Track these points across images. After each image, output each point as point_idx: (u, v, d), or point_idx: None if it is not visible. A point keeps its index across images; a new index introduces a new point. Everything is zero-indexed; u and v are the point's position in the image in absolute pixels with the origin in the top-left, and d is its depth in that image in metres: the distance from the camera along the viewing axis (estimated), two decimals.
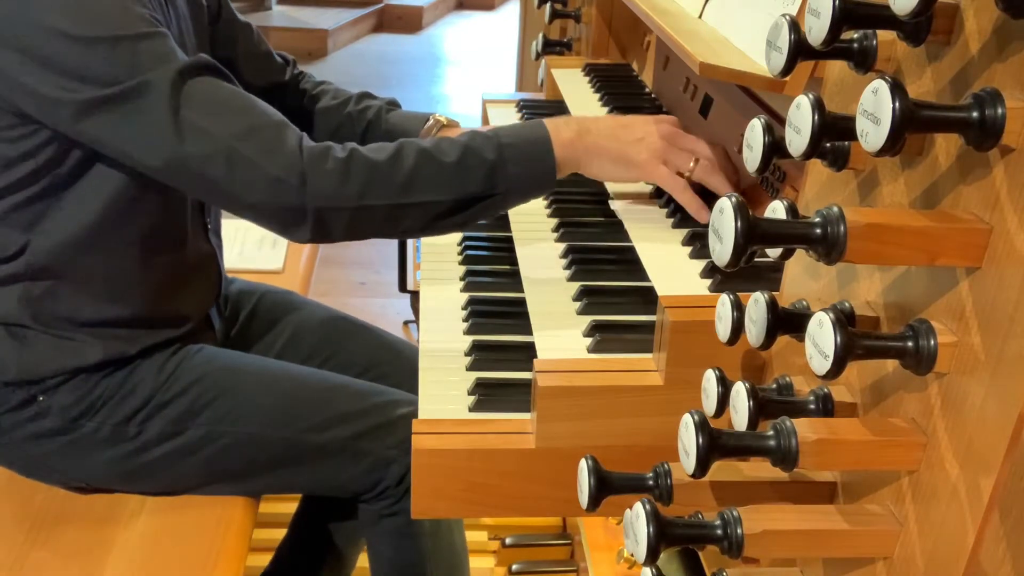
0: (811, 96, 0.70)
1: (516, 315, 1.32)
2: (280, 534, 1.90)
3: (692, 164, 1.35)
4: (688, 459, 0.75)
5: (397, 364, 1.73)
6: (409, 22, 8.15)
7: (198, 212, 1.53)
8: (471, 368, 1.25)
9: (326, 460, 1.51)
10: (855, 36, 0.76)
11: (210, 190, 1.30)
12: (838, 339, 0.66)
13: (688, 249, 1.26)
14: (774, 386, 0.88)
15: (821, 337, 0.68)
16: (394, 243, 2.98)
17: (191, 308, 1.57)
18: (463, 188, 1.28)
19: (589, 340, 1.16)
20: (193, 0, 1.52)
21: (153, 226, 1.44)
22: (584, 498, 0.82)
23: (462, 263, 1.51)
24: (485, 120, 2.08)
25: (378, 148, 1.30)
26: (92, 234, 1.40)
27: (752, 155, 0.80)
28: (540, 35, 2.31)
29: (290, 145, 1.27)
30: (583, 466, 0.82)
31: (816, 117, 0.69)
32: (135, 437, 1.47)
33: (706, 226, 0.72)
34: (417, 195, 1.28)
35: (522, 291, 1.31)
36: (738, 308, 0.81)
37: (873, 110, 0.63)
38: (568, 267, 1.35)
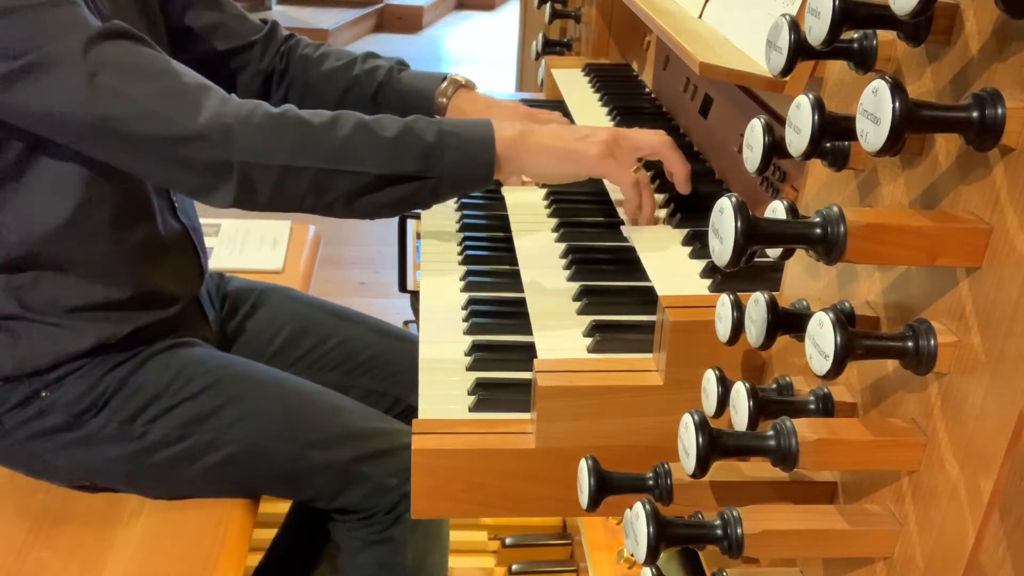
0: (811, 96, 0.70)
1: (516, 315, 1.32)
2: None
3: (638, 159, 1.35)
4: (688, 459, 0.75)
5: (399, 351, 1.73)
6: (409, 22, 8.15)
7: (163, 190, 1.52)
8: (471, 368, 1.24)
9: (327, 478, 1.51)
10: (855, 36, 0.76)
11: (136, 152, 1.28)
12: (838, 339, 0.66)
13: (688, 249, 1.26)
14: (774, 386, 0.88)
15: (821, 337, 0.68)
16: (394, 243, 2.98)
17: (175, 287, 1.56)
18: (396, 164, 1.26)
19: (589, 340, 1.16)
20: None
21: (120, 208, 1.43)
22: (584, 498, 0.82)
23: (462, 263, 1.51)
24: None
25: (315, 113, 1.28)
26: (61, 224, 1.39)
27: (752, 155, 0.80)
28: (540, 35, 2.31)
29: (213, 101, 1.26)
30: (583, 466, 0.82)
31: (816, 117, 0.69)
32: (141, 437, 1.47)
33: (706, 226, 0.72)
34: (348, 163, 1.25)
35: (522, 291, 1.31)
36: (738, 308, 0.81)
37: (873, 110, 0.63)
38: (568, 267, 1.35)
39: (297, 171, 1.25)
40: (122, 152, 1.30)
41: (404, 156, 1.26)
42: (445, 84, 1.60)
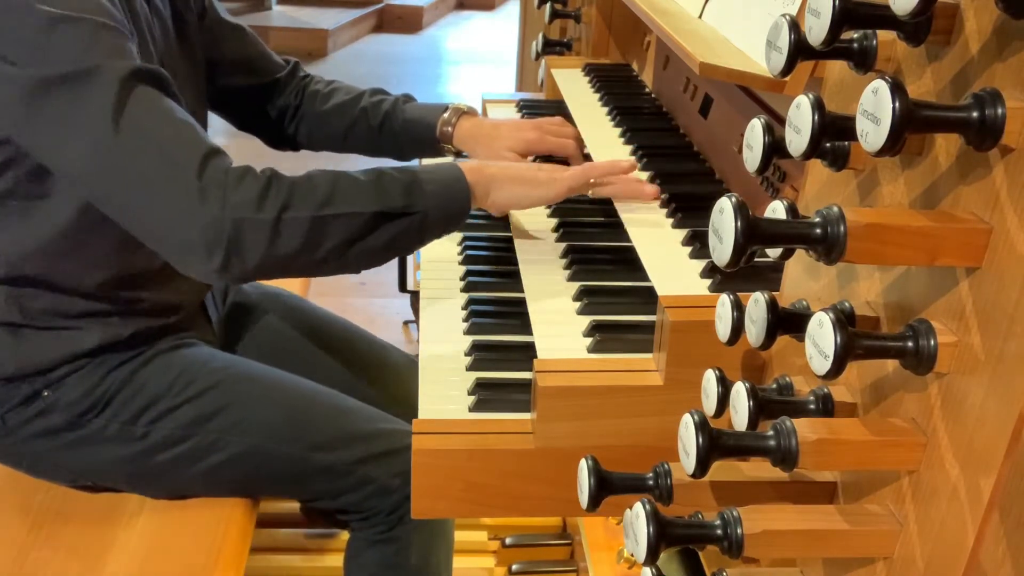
0: (811, 96, 0.70)
1: (516, 315, 1.32)
2: (280, 534, 1.89)
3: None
4: (688, 459, 0.75)
5: (393, 370, 1.74)
6: (409, 22, 8.15)
7: None
8: (471, 368, 1.25)
9: (329, 480, 1.51)
10: (855, 36, 0.76)
11: (127, 202, 1.24)
12: (838, 339, 0.66)
13: (688, 249, 1.26)
14: (774, 386, 0.88)
15: (821, 337, 0.68)
16: None
17: (183, 295, 1.56)
18: (383, 200, 1.26)
19: (589, 340, 1.16)
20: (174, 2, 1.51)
21: (128, 232, 1.40)
22: (584, 498, 0.82)
23: (462, 263, 1.51)
24: None
25: (294, 174, 1.28)
26: (66, 242, 1.39)
27: (752, 155, 0.80)
28: (540, 35, 2.31)
29: (216, 167, 1.23)
30: (583, 466, 0.82)
31: (816, 117, 0.69)
32: (143, 438, 1.47)
33: (706, 226, 0.72)
34: (339, 206, 1.24)
35: (522, 291, 1.31)
36: (738, 308, 0.81)
37: (873, 110, 0.63)
38: (568, 267, 1.35)
39: (291, 223, 1.22)
40: (116, 197, 1.26)
41: (390, 191, 1.27)
42: (448, 114, 1.66)
